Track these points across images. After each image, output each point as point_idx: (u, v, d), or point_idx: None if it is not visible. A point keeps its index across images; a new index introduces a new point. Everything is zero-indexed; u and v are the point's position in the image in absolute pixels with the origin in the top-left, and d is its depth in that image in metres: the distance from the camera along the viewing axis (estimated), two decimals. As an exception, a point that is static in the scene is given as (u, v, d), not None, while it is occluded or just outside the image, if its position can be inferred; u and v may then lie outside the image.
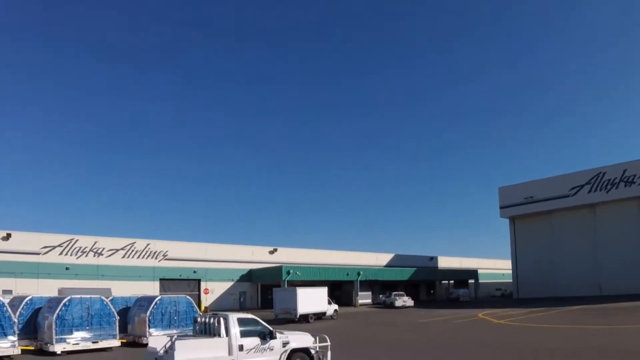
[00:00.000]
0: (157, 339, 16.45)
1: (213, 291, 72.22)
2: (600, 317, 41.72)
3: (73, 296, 28.68)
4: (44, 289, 57.86)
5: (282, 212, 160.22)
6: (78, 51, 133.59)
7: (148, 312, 30.60)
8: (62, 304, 27.35)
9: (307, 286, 55.21)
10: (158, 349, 15.30)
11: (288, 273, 68.07)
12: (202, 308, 69.58)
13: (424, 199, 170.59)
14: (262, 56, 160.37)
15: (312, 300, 51.05)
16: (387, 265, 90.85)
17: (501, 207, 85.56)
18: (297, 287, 50.94)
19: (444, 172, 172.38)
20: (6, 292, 52.93)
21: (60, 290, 48.21)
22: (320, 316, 52.06)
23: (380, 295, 77.65)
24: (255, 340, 16.24)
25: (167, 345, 14.99)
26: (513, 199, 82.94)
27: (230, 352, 15.58)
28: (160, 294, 65.77)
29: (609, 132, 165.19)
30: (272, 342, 16.53)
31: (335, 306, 56.34)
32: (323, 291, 53.47)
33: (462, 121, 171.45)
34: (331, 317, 53.70)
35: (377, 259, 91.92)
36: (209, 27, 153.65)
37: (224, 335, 15.77)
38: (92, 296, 29.06)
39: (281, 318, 49.62)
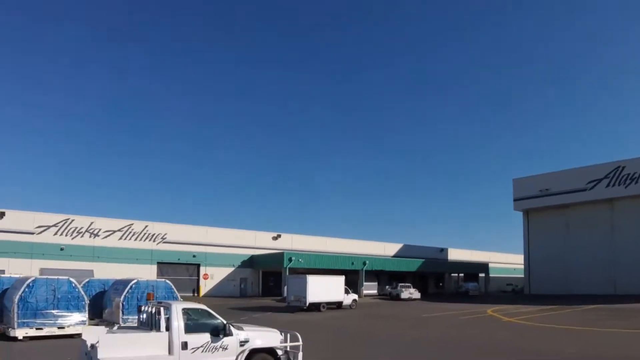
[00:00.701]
0: (91, 330, 13.82)
1: (213, 277, 70.12)
2: (616, 318, 38.80)
3: (38, 277, 26.34)
4: (38, 269, 56.61)
5: (288, 198, 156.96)
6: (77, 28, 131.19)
7: (122, 297, 28.08)
8: (25, 285, 24.97)
9: (318, 274, 53.14)
10: (88, 342, 12.63)
11: (290, 260, 65.51)
12: (201, 294, 67.60)
13: (435, 189, 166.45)
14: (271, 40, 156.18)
15: (325, 288, 49.73)
16: (395, 256, 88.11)
17: (515, 200, 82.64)
18: (308, 275, 49.11)
19: (457, 162, 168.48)
20: (-2, 272, 51.22)
21: (41, 271, 46.24)
22: (338, 305, 51.12)
23: (387, 287, 74.98)
24: (204, 337, 13.28)
25: (96, 340, 12.26)
26: (527, 192, 79.89)
27: (170, 351, 12.70)
28: (157, 279, 65.17)
29: (629, 126, 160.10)
30: (226, 340, 13.53)
31: (354, 296, 54.90)
32: (339, 280, 51.94)
33: (476, 110, 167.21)
34: (350, 306, 52.43)
35: (384, 249, 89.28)
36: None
37: (164, 329, 12.92)
38: (60, 277, 26.41)
39: (293, 306, 48.53)
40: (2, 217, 59.42)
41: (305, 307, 47.29)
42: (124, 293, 28.29)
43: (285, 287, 53.05)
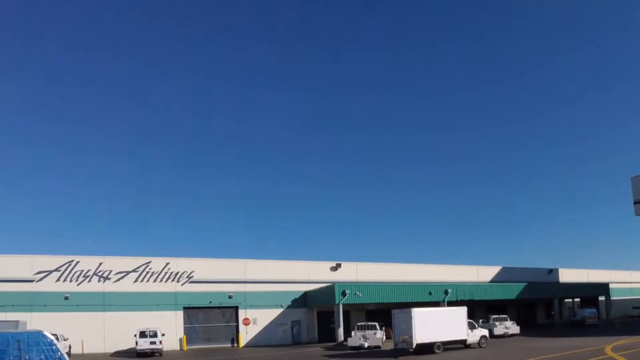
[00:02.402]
0: None
1: (256, 321, 57.25)
2: None
3: None
4: (39, 323, 46.68)
5: (350, 218, 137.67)
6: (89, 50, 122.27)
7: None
8: None
9: (423, 306, 44.29)
10: None
11: (343, 294, 51.85)
12: (241, 344, 55.26)
13: (537, 199, 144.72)
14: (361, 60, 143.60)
15: (440, 324, 41.39)
16: (493, 281, 72.63)
17: (635, 203, 65.72)
18: (414, 309, 40.49)
19: (558, 163, 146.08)
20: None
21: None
22: (463, 344, 42.91)
23: (481, 320, 59.58)
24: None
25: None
26: (651, 191, 62.96)
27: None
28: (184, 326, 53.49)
29: None
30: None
31: (483, 332, 45.94)
32: (459, 312, 43.44)
33: (581, 102, 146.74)
34: (479, 344, 44.14)
35: (478, 274, 73.82)
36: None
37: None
38: None
39: (400, 349, 40.36)
40: None
41: (411, 350, 39.19)
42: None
43: (392, 324, 42.67)
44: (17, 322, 33.66)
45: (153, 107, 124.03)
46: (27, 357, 24.35)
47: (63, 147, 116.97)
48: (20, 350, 24.16)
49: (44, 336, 25.12)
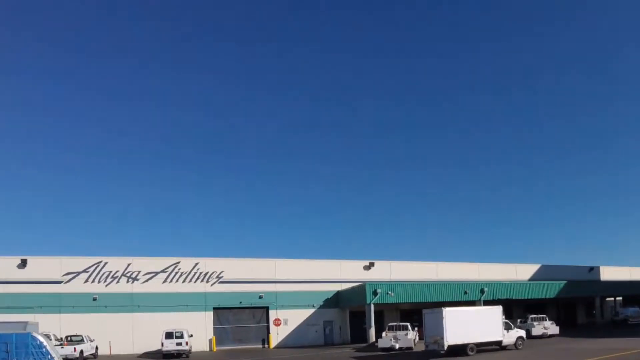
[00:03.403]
0: None
1: (287, 322, 56.17)
2: None
3: None
4: (67, 325, 47.61)
5: (383, 215, 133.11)
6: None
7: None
8: None
9: (458, 305, 43.27)
10: None
11: (375, 294, 50.37)
12: (271, 345, 54.16)
13: (576, 195, 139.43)
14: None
15: (472, 324, 39.05)
16: (531, 279, 70.32)
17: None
18: (445, 308, 38.55)
19: (601, 159, 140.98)
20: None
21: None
22: (498, 346, 40.72)
23: (519, 320, 57.47)
24: None
25: None
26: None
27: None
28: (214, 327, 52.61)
29: None
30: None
31: (520, 332, 43.20)
32: (493, 312, 40.95)
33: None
34: (515, 346, 41.60)
35: (516, 272, 71.53)
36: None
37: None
38: None
39: (431, 350, 38.99)
40: (24, 266, 50.73)
41: (443, 352, 37.48)
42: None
43: (423, 325, 41.38)
44: (25, 323, 32.79)
45: (178, 108, 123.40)
46: None
47: (89, 149, 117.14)
48: (7, 352, 23.59)
49: (34, 338, 24.57)
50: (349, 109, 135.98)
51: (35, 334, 25.21)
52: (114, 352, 48.90)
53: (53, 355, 24.83)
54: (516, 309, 64.43)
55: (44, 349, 24.23)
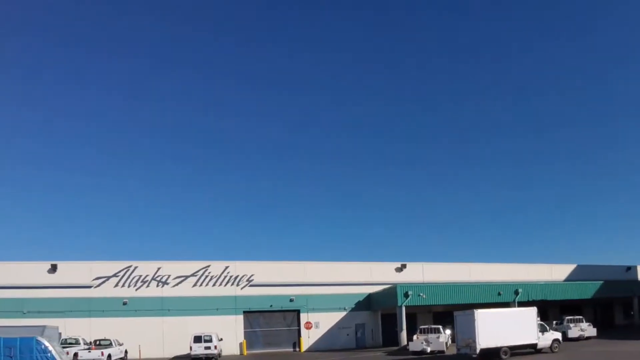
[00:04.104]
0: None
1: (318, 325, 55.51)
2: None
3: None
4: (97, 330, 47.77)
5: (415, 216, 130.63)
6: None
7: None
8: None
9: (491, 307, 41.88)
10: None
11: (406, 295, 49.46)
12: (302, 348, 53.58)
13: (612, 194, 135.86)
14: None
15: (506, 326, 37.88)
16: (566, 280, 68.65)
17: None
18: (477, 310, 37.30)
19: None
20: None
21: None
22: (533, 349, 39.33)
23: (554, 322, 56.03)
24: None
25: None
26: None
27: None
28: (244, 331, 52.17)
29: None
30: None
31: (556, 335, 41.77)
32: (528, 313, 39.58)
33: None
34: (551, 349, 40.35)
35: (552, 273, 69.72)
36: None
37: None
38: None
39: (463, 354, 38.08)
40: (54, 271, 50.99)
41: (475, 355, 36.70)
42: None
43: (455, 328, 40.60)
44: (43, 327, 32.28)
45: (204, 112, 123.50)
46: None
47: (120, 152, 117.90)
48: (11, 357, 23.34)
49: (38, 342, 24.22)
50: (397, 110, 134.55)
51: (40, 338, 24.88)
52: (144, 355, 48.75)
53: (58, 359, 24.38)
54: (551, 310, 63.04)
55: (49, 354, 24.05)
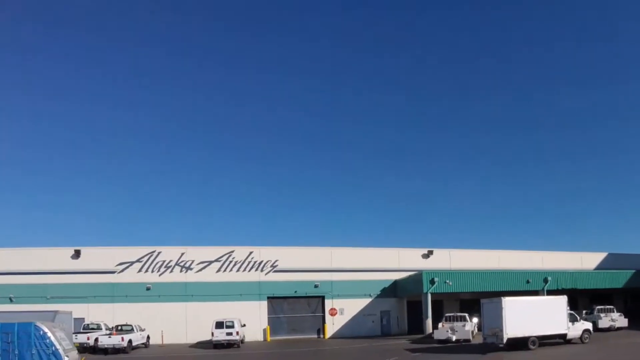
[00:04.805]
0: None
1: (343, 311, 54.69)
2: None
3: None
4: (121, 315, 47.68)
5: (444, 202, 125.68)
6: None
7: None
8: None
9: (520, 295, 40.49)
10: None
11: (432, 282, 48.43)
12: (327, 335, 52.85)
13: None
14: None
15: (534, 315, 36.48)
16: (597, 268, 67.03)
17: None
18: (504, 298, 35.89)
19: None
20: (77, 320, 41.63)
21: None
22: (563, 339, 38.09)
23: (584, 312, 54.70)
24: None
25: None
26: None
27: None
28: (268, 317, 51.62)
29: None
30: None
31: (586, 325, 40.52)
32: (557, 302, 38.19)
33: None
34: (581, 340, 39.01)
35: (582, 261, 67.85)
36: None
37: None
38: None
39: (490, 343, 36.81)
40: (77, 257, 51.10)
41: (502, 345, 35.51)
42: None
43: (481, 316, 39.33)
44: (54, 312, 31.86)
45: (227, 102, 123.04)
46: (16, 352, 23.19)
47: (144, 136, 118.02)
48: (9, 343, 22.98)
49: (37, 328, 23.71)
50: (428, 101, 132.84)
51: (39, 324, 24.42)
52: (167, 341, 48.47)
53: (58, 346, 23.92)
54: (581, 299, 61.24)
55: (47, 340, 23.63)
